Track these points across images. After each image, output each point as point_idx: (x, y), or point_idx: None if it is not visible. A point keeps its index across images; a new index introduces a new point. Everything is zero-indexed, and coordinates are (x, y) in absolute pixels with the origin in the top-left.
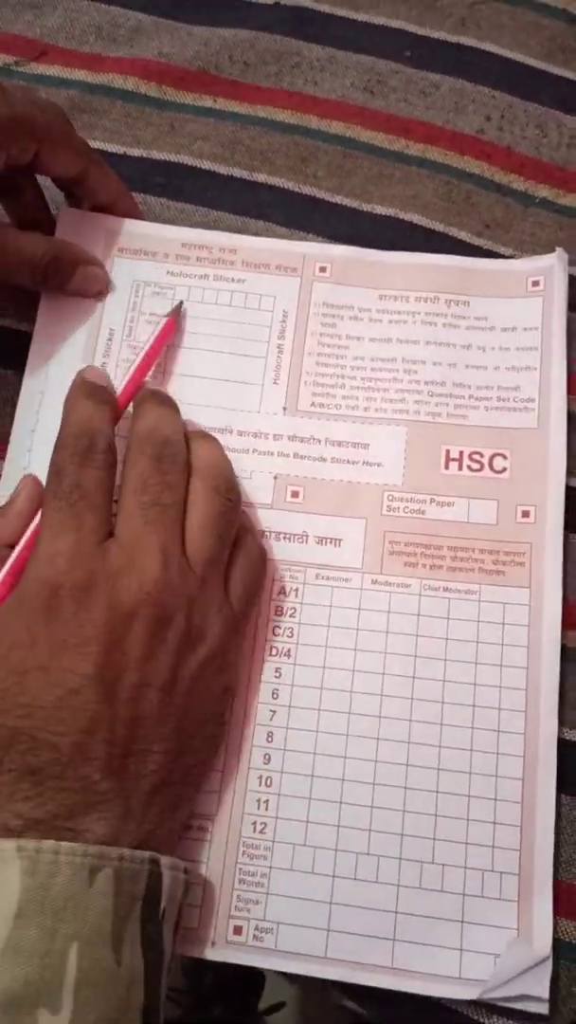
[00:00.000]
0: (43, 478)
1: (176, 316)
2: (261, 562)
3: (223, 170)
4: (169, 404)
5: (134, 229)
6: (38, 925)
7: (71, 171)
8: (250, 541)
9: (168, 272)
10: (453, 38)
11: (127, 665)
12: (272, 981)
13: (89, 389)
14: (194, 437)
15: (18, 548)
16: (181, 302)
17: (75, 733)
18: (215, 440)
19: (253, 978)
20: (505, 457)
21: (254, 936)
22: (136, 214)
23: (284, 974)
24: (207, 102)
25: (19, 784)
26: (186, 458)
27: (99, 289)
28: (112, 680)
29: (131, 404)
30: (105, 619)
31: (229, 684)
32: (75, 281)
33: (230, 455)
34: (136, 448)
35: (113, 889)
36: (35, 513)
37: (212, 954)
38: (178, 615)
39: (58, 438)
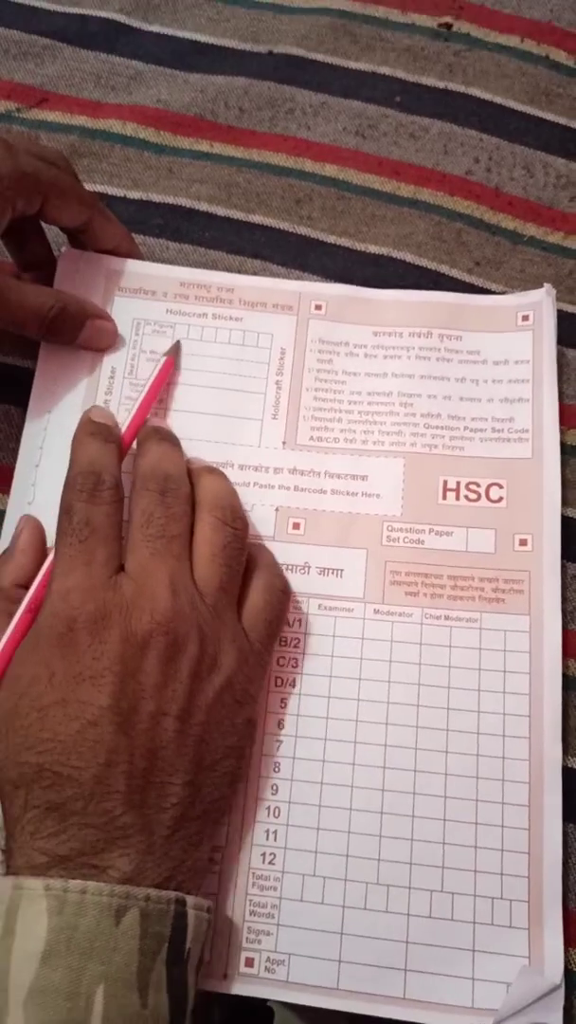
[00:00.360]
0: (48, 512)
1: (175, 355)
2: (283, 596)
3: (220, 212)
4: (170, 440)
5: (134, 269)
6: (65, 966)
7: (76, 221)
8: (269, 575)
9: (168, 310)
10: (441, 84)
11: (142, 694)
12: (280, 1015)
13: (94, 428)
14: (200, 472)
15: (33, 587)
16: (178, 341)
17: (95, 766)
18: (220, 473)
19: (260, 1011)
20: (501, 487)
21: (266, 968)
22: (137, 256)
23: (294, 1007)
24: (204, 146)
25: (44, 821)
26: (189, 491)
27: (108, 344)
28: (128, 710)
29: (135, 442)
30: (119, 650)
31: (251, 718)
32: (84, 334)
33: None
34: (140, 485)
35: (139, 930)
36: (39, 550)
37: (225, 987)
38: (190, 643)
39: (67, 478)
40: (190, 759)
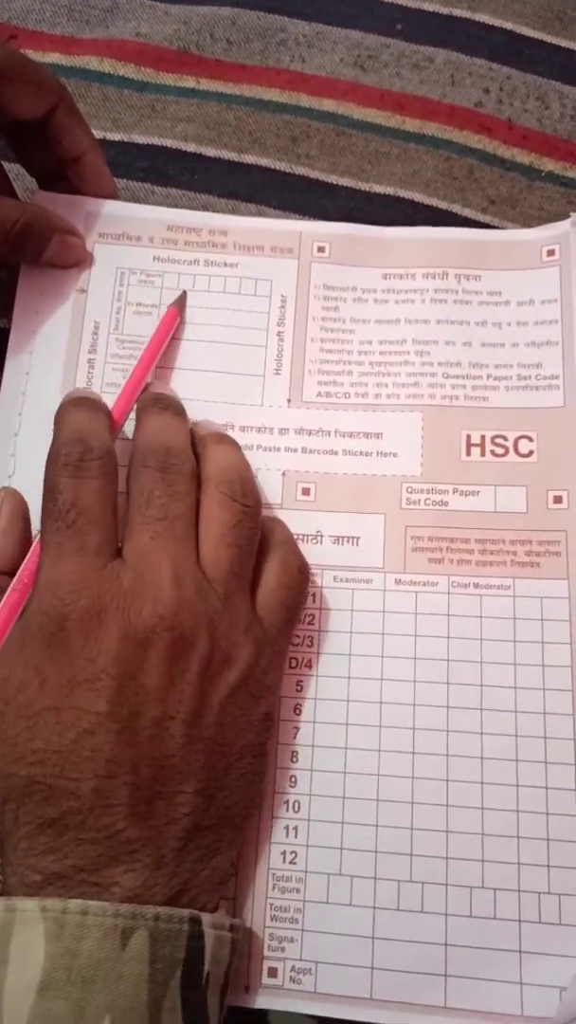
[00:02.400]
0: (32, 487)
1: (180, 305)
2: (300, 576)
3: (210, 152)
4: (173, 409)
5: (116, 211)
6: (65, 997)
7: (38, 108)
8: (286, 553)
9: (155, 258)
10: (445, 9)
11: (145, 698)
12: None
13: (78, 399)
14: (207, 441)
15: (18, 575)
16: (184, 292)
17: (94, 778)
18: (231, 442)
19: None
20: (531, 439)
21: (291, 978)
22: (107, 175)
23: (323, 1020)
24: (189, 83)
25: (37, 837)
26: (193, 467)
27: (77, 259)
28: (129, 716)
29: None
30: (117, 649)
31: (269, 711)
32: (50, 250)
33: None
34: (138, 461)
35: (149, 953)
36: (23, 530)
37: (247, 1001)
38: (199, 637)
39: (49, 452)
40: (201, 765)
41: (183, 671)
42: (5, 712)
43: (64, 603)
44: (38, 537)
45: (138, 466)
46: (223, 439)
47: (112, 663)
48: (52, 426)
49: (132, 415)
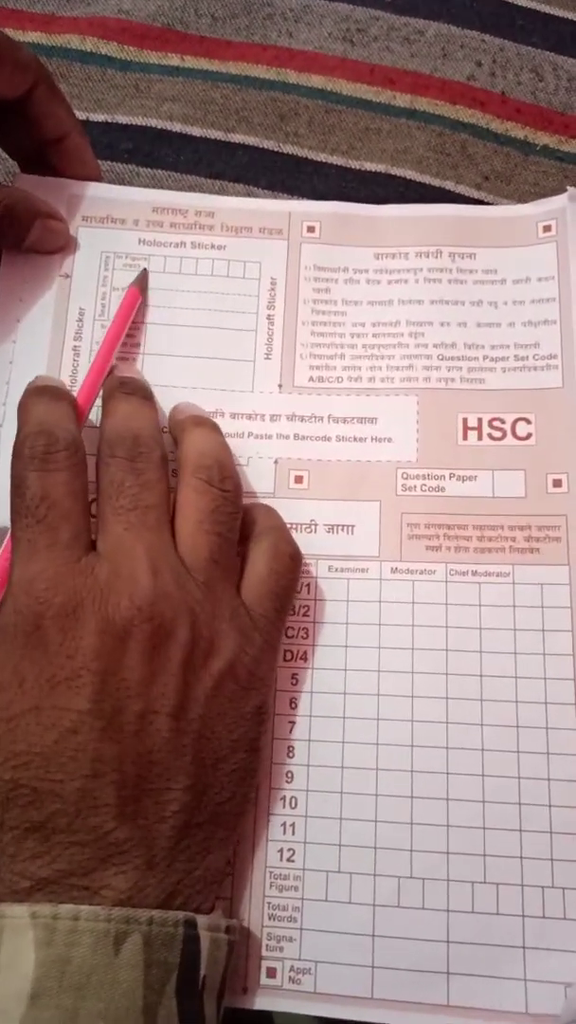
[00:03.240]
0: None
1: (140, 285)
2: (291, 563)
3: (196, 132)
4: (140, 393)
5: (99, 193)
6: (56, 1006)
7: (17, 87)
8: (276, 539)
9: (140, 241)
10: None
11: (127, 693)
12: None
13: (40, 388)
14: (185, 425)
15: None
16: (144, 270)
17: (79, 778)
18: (210, 425)
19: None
20: (529, 422)
21: (290, 978)
22: (90, 156)
23: (324, 1020)
24: (174, 60)
25: (24, 842)
26: (163, 453)
27: (60, 245)
28: (112, 713)
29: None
30: (96, 644)
31: (261, 705)
32: (33, 235)
33: None
34: (106, 451)
35: (143, 959)
36: None
37: (245, 1002)
38: (180, 627)
39: (14, 446)
40: (190, 760)
41: (164, 663)
42: None
43: (39, 601)
44: (8, 533)
45: (107, 456)
46: (201, 422)
47: (92, 659)
48: None
49: (99, 402)
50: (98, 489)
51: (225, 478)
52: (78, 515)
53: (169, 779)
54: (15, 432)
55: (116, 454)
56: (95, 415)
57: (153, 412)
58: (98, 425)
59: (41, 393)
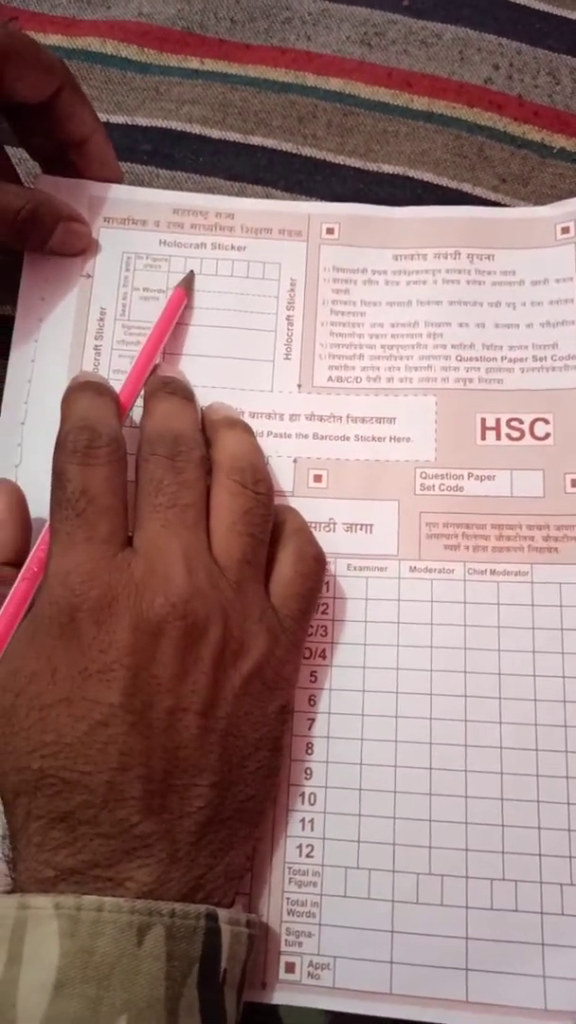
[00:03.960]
0: (39, 476)
1: (187, 287)
2: (316, 565)
3: (215, 134)
4: (182, 393)
5: (120, 195)
6: (80, 995)
7: (42, 91)
8: (301, 541)
9: (161, 242)
10: None
11: (158, 688)
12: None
13: (84, 384)
14: (219, 426)
15: (25, 567)
16: (192, 272)
17: (106, 771)
18: (243, 427)
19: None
20: (547, 422)
21: (308, 973)
22: (112, 158)
23: (337, 1015)
24: (193, 63)
25: (50, 832)
26: (203, 453)
27: (83, 247)
28: (142, 707)
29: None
30: (130, 639)
31: (285, 703)
32: (56, 238)
33: None
34: (147, 449)
35: (166, 950)
36: (21, 521)
37: (264, 997)
38: (212, 626)
39: (57, 438)
40: (216, 757)
41: (196, 660)
42: (17, 704)
43: (75, 593)
44: (47, 525)
45: (147, 453)
46: (235, 424)
47: (125, 653)
48: (59, 415)
49: (140, 401)
50: (137, 486)
51: (258, 480)
52: (117, 510)
53: (195, 775)
54: (38, 428)
55: (156, 452)
56: (136, 414)
57: (194, 412)
58: (138, 425)
59: (85, 388)
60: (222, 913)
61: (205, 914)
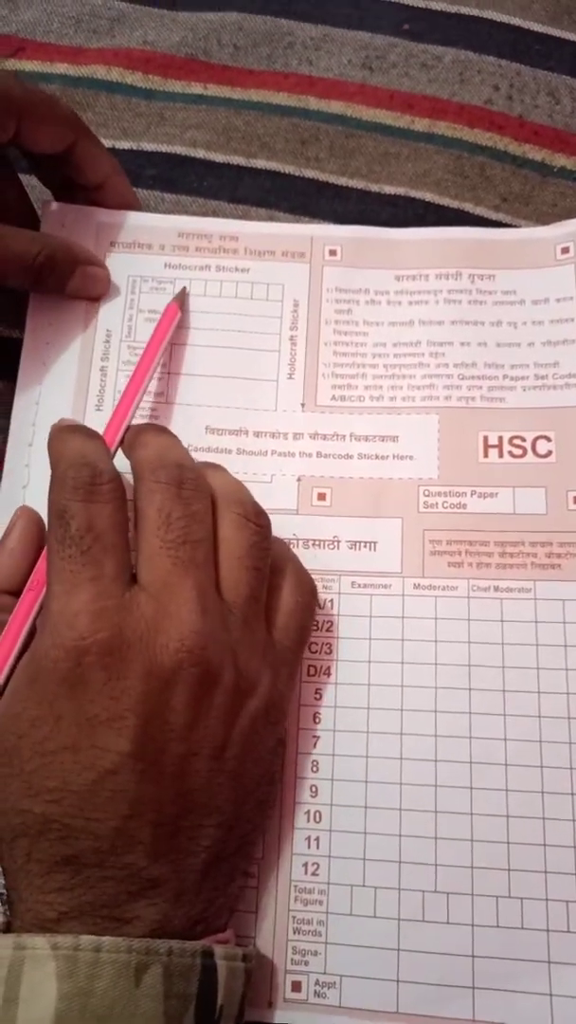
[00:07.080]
0: (44, 497)
1: (180, 301)
2: (312, 596)
3: (219, 158)
4: (169, 433)
5: (127, 221)
6: None
7: (59, 144)
8: (297, 570)
9: (166, 264)
10: (452, 8)
11: (170, 735)
12: None
13: (72, 426)
14: (202, 466)
15: (31, 579)
16: (184, 288)
17: (116, 818)
18: (222, 468)
19: None
20: (549, 439)
21: (315, 992)
22: (130, 195)
23: None
24: (197, 89)
25: (52, 875)
26: (209, 484)
27: (101, 291)
28: (154, 755)
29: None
30: (142, 687)
31: (281, 737)
32: (74, 282)
33: (247, 458)
34: (149, 478)
35: (163, 989)
36: (33, 550)
37: (270, 1016)
38: (225, 671)
39: (53, 476)
40: (225, 797)
41: (208, 707)
42: (20, 746)
43: (82, 636)
44: (39, 563)
45: (150, 482)
46: (215, 464)
47: (137, 701)
48: None
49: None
50: (138, 516)
51: (259, 513)
52: (121, 548)
53: (204, 816)
54: (43, 472)
55: (160, 479)
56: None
57: (186, 450)
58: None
59: (74, 430)
60: (218, 950)
61: (201, 951)
